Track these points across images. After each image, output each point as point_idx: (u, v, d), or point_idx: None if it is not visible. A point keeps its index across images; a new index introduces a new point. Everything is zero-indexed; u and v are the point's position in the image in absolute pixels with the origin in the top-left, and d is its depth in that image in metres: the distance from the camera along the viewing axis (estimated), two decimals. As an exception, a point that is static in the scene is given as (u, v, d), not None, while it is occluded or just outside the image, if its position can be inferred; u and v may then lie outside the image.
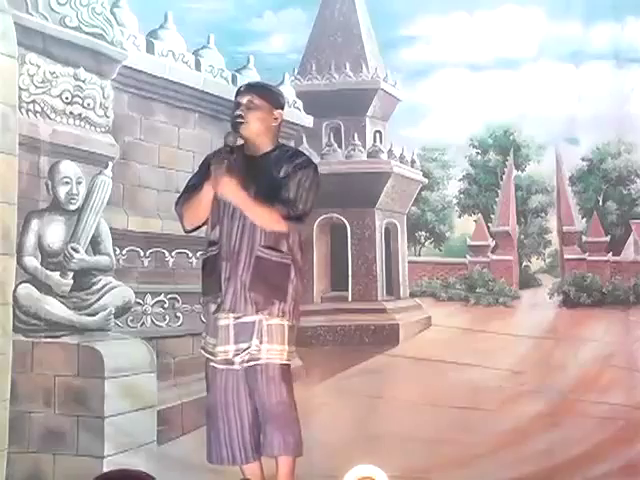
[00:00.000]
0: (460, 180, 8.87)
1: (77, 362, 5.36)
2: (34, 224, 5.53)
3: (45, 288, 5.50)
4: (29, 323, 5.41)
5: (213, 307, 3.81)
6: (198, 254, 6.31)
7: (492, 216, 8.69)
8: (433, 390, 6.74)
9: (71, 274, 5.61)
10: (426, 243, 9.03)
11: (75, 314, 5.58)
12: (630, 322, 7.55)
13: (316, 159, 7.54)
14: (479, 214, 8.79)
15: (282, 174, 3.76)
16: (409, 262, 8.49)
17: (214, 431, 3.84)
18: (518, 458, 5.79)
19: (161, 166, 6.50)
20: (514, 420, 6.31)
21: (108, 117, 5.91)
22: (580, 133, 8.02)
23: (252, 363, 3.73)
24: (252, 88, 3.93)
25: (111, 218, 5.87)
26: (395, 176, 8.23)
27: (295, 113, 7.65)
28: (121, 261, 6.08)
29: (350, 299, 7.92)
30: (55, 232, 5.60)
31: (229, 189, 3.68)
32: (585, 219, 8.48)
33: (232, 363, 3.76)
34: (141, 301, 6.19)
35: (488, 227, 8.65)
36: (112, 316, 5.74)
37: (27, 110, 5.45)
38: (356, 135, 8.29)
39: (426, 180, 8.63)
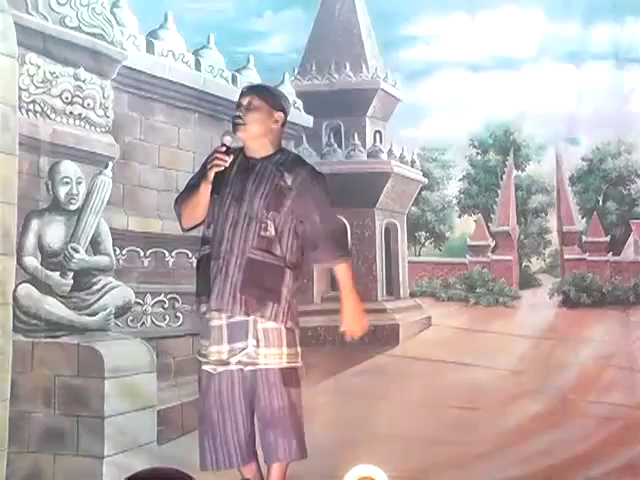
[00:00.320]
0: (460, 180, 8.87)
1: (77, 362, 5.36)
2: (34, 224, 5.53)
3: (45, 288, 5.50)
4: (29, 323, 5.41)
5: (204, 307, 3.78)
6: (197, 254, 6.32)
7: (492, 216, 8.69)
8: (433, 390, 6.74)
9: (71, 274, 5.61)
10: (426, 243, 9.03)
11: (75, 314, 5.58)
12: (630, 322, 7.55)
13: (316, 159, 7.56)
14: (479, 214, 8.79)
15: (289, 183, 3.72)
16: (409, 262, 8.49)
17: (210, 436, 3.80)
18: (518, 458, 5.78)
19: (161, 166, 6.50)
20: (514, 420, 6.31)
21: (108, 117, 5.91)
22: (580, 133, 8.02)
23: (251, 368, 3.70)
24: (253, 89, 3.92)
25: (111, 218, 5.87)
26: (395, 176, 8.23)
27: (295, 113, 7.64)
28: (121, 261, 6.08)
29: (350, 299, 7.90)
30: (55, 232, 5.60)
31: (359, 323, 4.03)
32: (585, 219, 8.48)
33: (227, 364, 3.72)
34: (141, 301, 6.19)
35: (488, 227, 8.65)
36: (112, 316, 5.74)
37: (27, 110, 5.45)
38: (356, 135, 8.29)
39: (426, 180, 8.64)
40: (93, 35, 5.70)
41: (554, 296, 8.10)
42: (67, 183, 5.62)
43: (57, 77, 5.59)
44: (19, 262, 5.37)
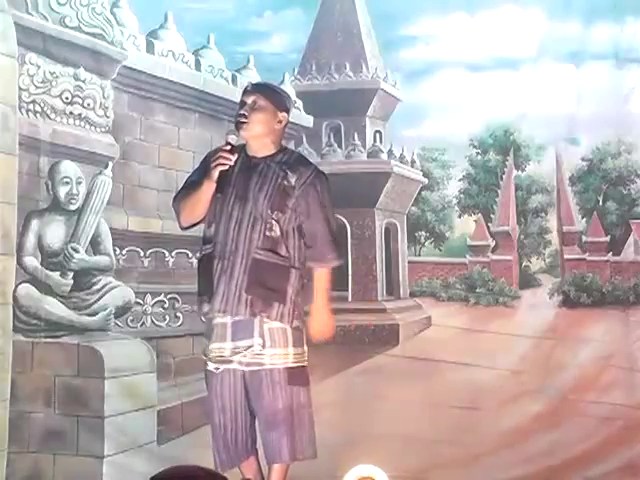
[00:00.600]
0: (460, 180, 8.88)
1: (77, 362, 5.35)
2: (34, 224, 5.53)
3: (45, 288, 5.49)
4: (29, 323, 5.41)
5: (206, 307, 3.75)
6: (198, 254, 6.32)
7: (492, 216, 8.70)
8: (433, 390, 6.74)
9: (71, 274, 5.60)
10: (426, 243, 9.03)
11: (75, 314, 5.58)
12: (630, 322, 7.56)
13: (316, 159, 7.56)
14: (479, 214, 8.80)
15: (292, 183, 3.71)
16: (409, 262, 8.49)
17: (214, 438, 3.78)
18: (518, 458, 5.78)
19: (161, 166, 6.50)
20: (514, 420, 6.31)
21: (108, 117, 5.91)
22: (580, 133, 8.03)
23: (256, 368, 3.68)
24: (258, 88, 3.85)
25: (111, 218, 5.87)
26: (395, 176, 8.23)
27: (295, 113, 7.63)
28: (121, 261, 6.08)
29: (350, 299, 7.92)
30: (55, 232, 5.59)
31: (327, 325, 3.89)
32: (585, 219, 8.48)
33: (229, 362, 3.69)
34: (141, 301, 6.19)
35: (488, 227, 8.65)
36: (112, 316, 5.73)
37: (27, 110, 5.45)
38: (356, 135, 8.30)
39: (426, 180, 8.64)
40: (93, 35, 5.69)
41: (554, 296, 8.10)
42: (67, 183, 5.61)
43: (57, 77, 5.58)
44: (19, 262, 5.37)
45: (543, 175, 8.70)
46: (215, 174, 3.65)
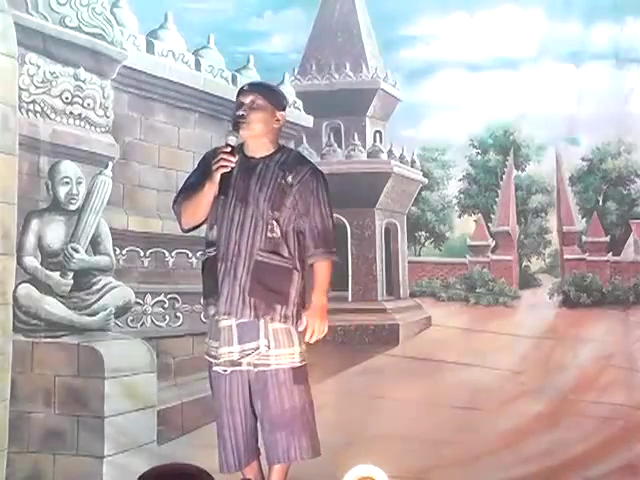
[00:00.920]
0: (460, 180, 8.88)
1: (77, 362, 5.36)
2: (34, 224, 5.53)
3: (45, 288, 5.50)
4: (29, 323, 5.41)
5: (213, 310, 3.74)
6: (198, 254, 6.31)
7: (492, 216, 8.70)
8: (433, 390, 6.74)
9: (71, 274, 5.61)
10: (426, 243, 9.03)
11: (75, 314, 5.58)
12: (630, 322, 7.55)
13: (316, 159, 7.56)
14: (479, 214, 8.79)
15: (289, 181, 3.70)
16: (409, 262, 8.49)
17: (221, 439, 3.77)
18: (518, 458, 5.78)
19: (161, 166, 6.50)
20: (514, 420, 6.31)
21: (108, 117, 5.91)
22: (580, 133, 8.03)
23: (262, 369, 3.68)
24: (256, 88, 3.85)
25: (111, 218, 5.87)
26: (395, 176, 8.23)
27: (295, 113, 7.65)
28: (121, 261, 6.08)
29: (350, 299, 7.92)
30: (55, 232, 5.60)
31: (324, 325, 3.74)
32: (585, 219, 8.48)
33: (239, 364, 3.69)
34: (141, 301, 6.19)
35: (488, 227, 8.65)
36: (112, 316, 5.74)
37: (27, 110, 5.45)
38: (356, 135, 8.30)
39: (426, 180, 8.64)
40: (93, 35, 5.70)
41: (554, 296, 8.10)
42: (67, 183, 5.62)
43: (57, 77, 5.59)
44: (19, 262, 5.37)
45: (543, 175, 8.69)
46: (217, 176, 3.64)
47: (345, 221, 7.95)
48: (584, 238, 8.38)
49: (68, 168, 5.64)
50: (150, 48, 6.38)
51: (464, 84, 7.79)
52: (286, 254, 3.70)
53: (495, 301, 8.21)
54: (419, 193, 8.64)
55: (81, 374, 5.33)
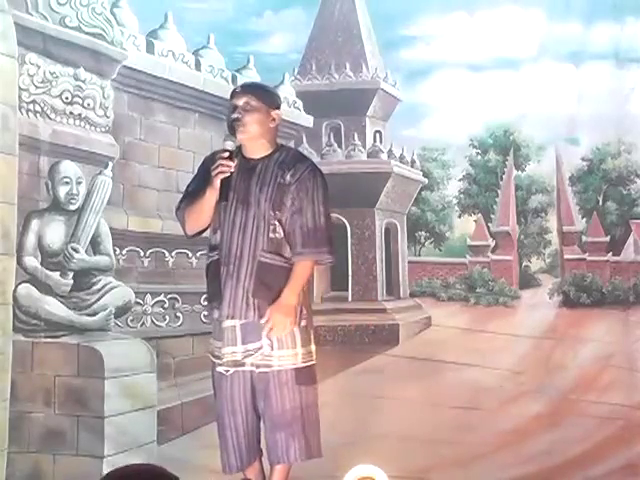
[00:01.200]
0: (460, 180, 8.88)
1: (77, 362, 5.35)
2: (34, 224, 5.53)
3: (45, 288, 5.49)
4: (29, 323, 5.41)
5: (216, 313, 3.74)
6: (198, 254, 6.33)
7: (492, 216, 8.70)
8: (433, 390, 6.74)
9: (71, 274, 5.60)
10: (426, 243, 9.03)
11: (75, 314, 5.58)
12: (630, 322, 7.55)
13: (316, 159, 7.55)
14: (479, 214, 8.79)
15: (288, 180, 3.69)
16: (409, 262, 8.49)
17: (223, 440, 3.78)
18: (518, 458, 5.78)
19: (161, 166, 6.51)
20: (514, 420, 6.31)
21: (108, 117, 5.91)
22: (580, 133, 8.02)
23: (264, 369, 3.68)
24: (248, 89, 3.83)
25: (111, 218, 5.87)
26: (395, 176, 8.23)
27: (295, 113, 7.66)
28: (121, 261, 6.08)
29: (350, 299, 7.92)
30: (55, 232, 5.59)
31: (285, 323, 3.66)
32: (585, 219, 8.48)
33: (242, 365, 3.69)
34: (141, 301, 6.19)
35: (488, 227, 8.65)
36: (112, 316, 5.73)
37: (27, 110, 5.45)
38: (356, 135, 8.30)
39: (426, 180, 8.64)
40: (93, 35, 5.70)
41: (554, 296, 8.10)
42: (67, 183, 5.61)
43: (57, 77, 5.58)
44: (19, 262, 5.37)
45: (543, 175, 8.69)
46: (217, 182, 3.63)
47: (345, 221, 7.95)
48: (584, 238, 8.38)
49: (68, 168, 5.64)
50: (150, 48, 6.37)
51: (464, 84, 7.79)
52: (287, 254, 3.70)
53: (495, 301, 8.21)
54: (419, 193, 8.64)
55: (81, 374, 5.33)
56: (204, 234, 3.89)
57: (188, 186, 3.87)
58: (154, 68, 6.34)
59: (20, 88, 5.36)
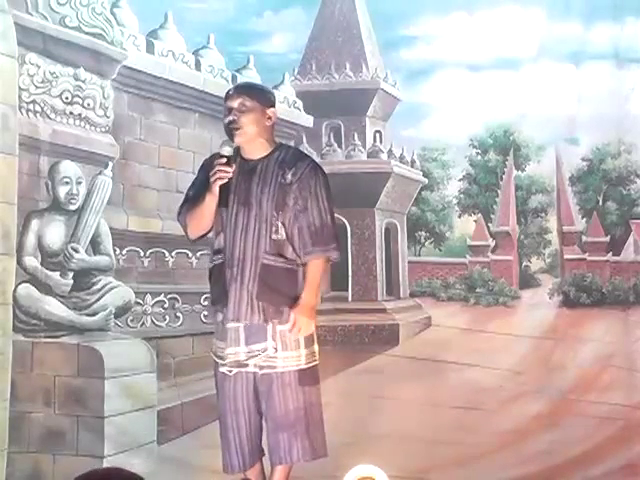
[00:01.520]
0: (460, 180, 8.88)
1: (77, 362, 5.36)
2: (34, 224, 5.53)
3: (45, 288, 5.50)
4: (29, 323, 5.41)
5: (220, 316, 3.73)
6: (198, 254, 6.34)
7: (492, 216, 8.70)
8: (433, 390, 6.74)
9: (71, 274, 5.61)
10: (426, 243, 9.03)
11: (75, 314, 5.58)
12: (630, 322, 7.55)
13: (316, 159, 7.54)
14: (479, 214, 8.79)
15: (289, 179, 3.68)
16: (409, 262, 8.49)
17: (225, 440, 3.77)
18: (518, 458, 5.78)
19: (161, 166, 6.51)
20: (514, 420, 6.31)
21: (108, 117, 5.91)
22: (580, 133, 8.02)
23: (268, 371, 3.68)
24: (242, 90, 3.80)
25: (111, 218, 5.87)
26: (395, 176, 8.24)
27: (295, 113, 7.66)
28: (121, 261, 6.08)
29: (350, 299, 7.92)
30: (55, 232, 5.59)
31: (310, 324, 3.70)
32: (585, 219, 8.48)
33: (245, 365, 3.68)
34: (141, 301, 6.19)
35: (488, 227, 8.65)
36: (112, 316, 5.74)
37: (27, 110, 5.45)
38: (356, 135, 8.30)
39: (426, 180, 8.64)
40: (93, 35, 5.70)
41: (554, 296, 8.10)
42: (67, 183, 5.62)
43: (57, 77, 5.59)
44: (19, 262, 5.37)
45: (543, 175, 8.69)
46: (216, 189, 3.62)
47: (345, 221, 7.95)
48: (584, 238, 8.38)
49: (68, 168, 5.64)
50: (150, 48, 6.38)
51: (464, 84, 7.79)
52: (289, 255, 3.69)
53: (495, 301, 8.21)
54: (419, 193, 8.64)
55: (81, 374, 5.33)
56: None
57: (188, 190, 3.85)
58: (154, 68, 6.34)
59: (20, 88, 5.36)
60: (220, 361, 3.74)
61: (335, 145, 8.24)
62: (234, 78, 7.04)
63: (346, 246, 7.95)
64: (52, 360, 5.38)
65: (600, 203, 8.59)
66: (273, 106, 3.81)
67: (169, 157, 6.55)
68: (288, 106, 7.56)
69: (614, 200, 8.51)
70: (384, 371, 7.20)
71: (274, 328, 3.67)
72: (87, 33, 5.66)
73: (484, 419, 6.37)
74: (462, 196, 8.89)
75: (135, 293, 6.00)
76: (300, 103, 7.74)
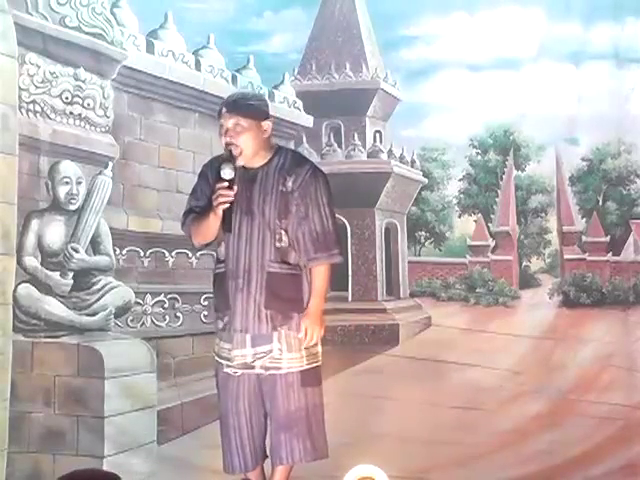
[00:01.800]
0: (460, 180, 8.88)
1: (77, 362, 5.36)
2: (34, 224, 5.53)
3: (45, 288, 5.50)
4: (29, 323, 5.41)
5: (221, 324, 3.73)
6: (198, 254, 6.34)
7: (492, 216, 8.70)
8: (433, 390, 6.74)
9: (71, 274, 5.61)
10: (426, 243, 9.03)
11: (75, 314, 5.58)
12: (630, 322, 7.55)
13: (316, 159, 7.56)
14: (479, 214, 8.79)
15: (290, 187, 3.68)
16: (409, 262, 8.49)
17: (226, 440, 3.78)
18: (518, 458, 5.79)
19: (161, 166, 6.51)
20: (514, 420, 6.31)
21: (108, 117, 5.91)
22: (580, 133, 8.02)
23: (273, 372, 3.69)
24: (234, 110, 3.68)
25: (111, 218, 5.87)
26: (395, 176, 8.24)
27: (295, 113, 7.66)
28: (121, 261, 6.08)
29: (350, 299, 7.92)
30: (55, 232, 5.60)
31: (320, 330, 3.71)
32: (585, 219, 8.48)
33: (252, 367, 3.69)
34: (141, 301, 6.19)
35: (488, 227, 8.65)
36: (112, 316, 5.74)
37: (27, 110, 5.45)
38: (356, 135, 8.30)
39: (426, 180, 8.64)
40: (93, 35, 5.70)
41: (554, 296, 8.10)
42: (67, 183, 5.62)
43: (57, 77, 5.59)
44: (19, 262, 5.37)
45: (543, 175, 8.69)
46: (219, 212, 3.58)
47: (345, 221, 7.95)
48: (584, 238, 8.38)
49: (68, 168, 5.64)
50: (150, 48, 6.38)
51: (464, 84, 7.79)
52: (293, 260, 3.69)
53: (495, 301, 8.21)
54: (419, 193, 8.64)
55: (81, 374, 5.33)
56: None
57: (190, 199, 3.83)
58: (154, 68, 6.34)
59: (20, 88, 5.36)
60: (225, 362, 3.74)
61: (335, 145, 8.25)
62: (234, 78, 7.04)
63: (346, 246, 7.95)
64: (52, 360, 5.38)
65: (600, 203, 8.59)
66: (268, 117, 3.76)
67: (169, 157, 6.55)
68: (288, 106, 7.57)
69: (614, 200, 8.51)
70: (384, 371, 7.20)
71: (279, 331, 3.68)
72: (87, 33, 5.66)
73: (484, 419, 6.37)
74: (462, 196, 8.89)
75: (135, 293, 6.01)
76: (300, 103, 7.74)
